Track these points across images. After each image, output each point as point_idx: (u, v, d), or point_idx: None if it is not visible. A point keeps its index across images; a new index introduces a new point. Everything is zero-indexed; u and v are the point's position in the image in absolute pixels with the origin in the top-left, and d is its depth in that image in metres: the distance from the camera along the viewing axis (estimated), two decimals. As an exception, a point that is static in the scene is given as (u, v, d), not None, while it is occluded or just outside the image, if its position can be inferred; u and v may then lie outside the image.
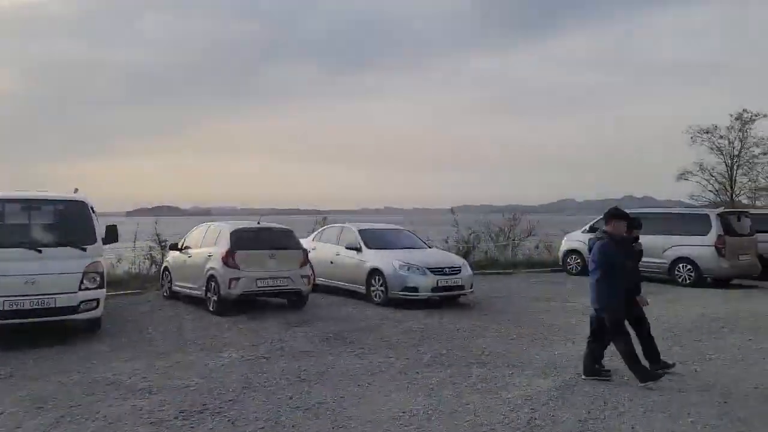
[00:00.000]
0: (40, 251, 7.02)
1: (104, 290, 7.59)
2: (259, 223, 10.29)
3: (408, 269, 9.75)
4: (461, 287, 10.08)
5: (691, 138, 29.55)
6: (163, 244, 12.78)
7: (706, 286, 12.39)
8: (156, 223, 13.80)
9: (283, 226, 10.44)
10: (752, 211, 15.58)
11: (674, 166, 33.77)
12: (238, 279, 8.92)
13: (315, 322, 8.62)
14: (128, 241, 13.19)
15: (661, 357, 5.88)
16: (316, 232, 12.48)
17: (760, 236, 13.15)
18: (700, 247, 12.42)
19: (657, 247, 12.22)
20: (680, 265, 12.69)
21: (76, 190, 8.09)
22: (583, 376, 5.70)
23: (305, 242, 11.02)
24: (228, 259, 8.95)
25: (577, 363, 5.99)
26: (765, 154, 28.81)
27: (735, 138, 29.30)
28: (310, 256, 10.24)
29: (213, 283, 9.11)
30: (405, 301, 9.73)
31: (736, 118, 28.91)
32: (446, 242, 16.18)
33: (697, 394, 5.24)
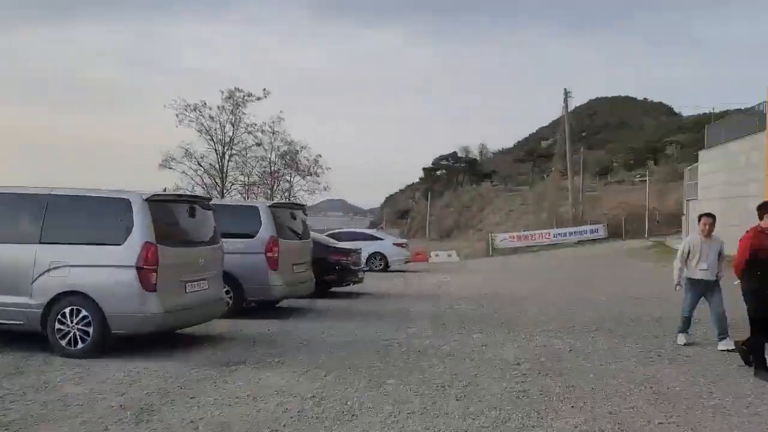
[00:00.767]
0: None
1: None
2: None
3: None
4: None
5: (177, 116, 23.77)
6: None
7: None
8: None
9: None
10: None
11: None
12: None
13: None
14: None
15: None
16: None
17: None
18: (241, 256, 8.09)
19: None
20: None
21: None
22: None
23: None
24: None
25: None
26: (259, 144, 24.22)
27: (226, 121, 24.21)
28: None
29: None
30: None
31: (228, 97, 24.04)
32: None
33: None
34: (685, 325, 6.71)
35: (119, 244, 5.73)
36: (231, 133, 24.22)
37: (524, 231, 36.26)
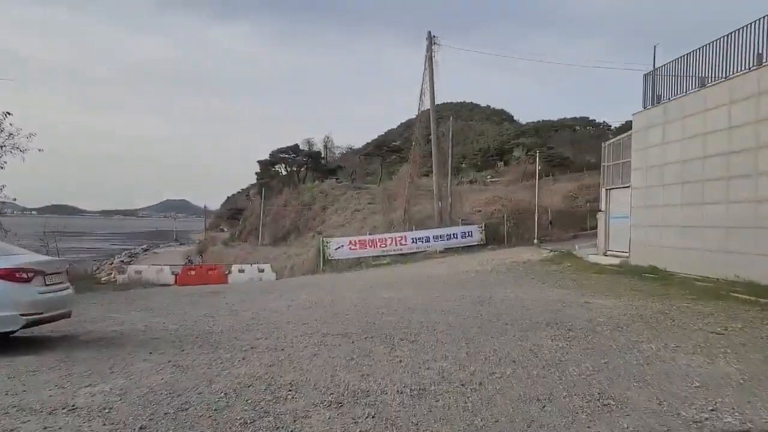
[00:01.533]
0: None
1: None
2: None
3: None
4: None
5: None
6: None
7: None
8: None
9: None
10: None
11: None
12: None
13: None
14: None
15: None
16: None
17: None
18: None
19: None
20: None
21: None
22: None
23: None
24: None
25: None
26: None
27: None
28: None
29: None
30: None
31: None
32: None
33: None
34: None
35: None
36: None
37: (370, 234, 25.53)
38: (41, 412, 4.52)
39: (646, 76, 16.41)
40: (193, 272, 22.69)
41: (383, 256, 23.90)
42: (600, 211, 18.84)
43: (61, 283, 7.45)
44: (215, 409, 4.52)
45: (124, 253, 69.52)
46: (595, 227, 25.36)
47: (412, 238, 24.84)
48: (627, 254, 16.76)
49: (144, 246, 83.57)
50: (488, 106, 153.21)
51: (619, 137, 18.09)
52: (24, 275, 6.80)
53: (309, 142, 77.37)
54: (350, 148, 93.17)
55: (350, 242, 24.46)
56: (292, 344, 7.05)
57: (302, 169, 72.55)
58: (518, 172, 57.16)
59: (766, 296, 9.75)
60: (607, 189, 18.49)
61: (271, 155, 74.85)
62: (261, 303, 11.49)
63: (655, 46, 16.40)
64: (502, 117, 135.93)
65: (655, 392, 4.85)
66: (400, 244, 24.57)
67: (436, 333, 7.60)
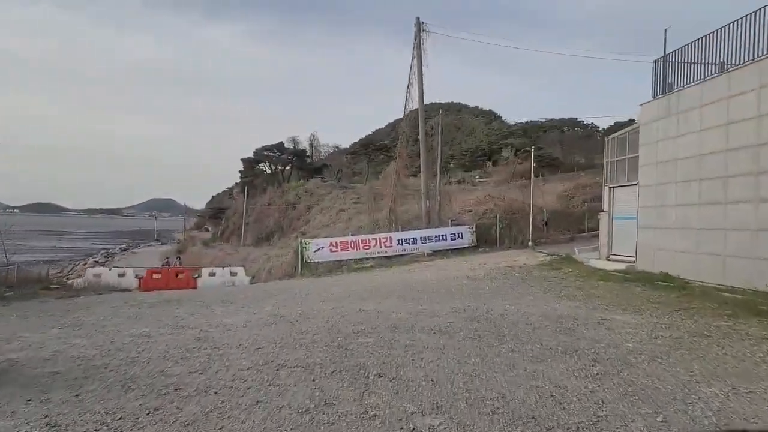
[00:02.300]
0: None
1: None
2: None
3: None
4: None
5: None
6: None
7: None
8: None
9: None
10: None
11: None
12: None
13: None
14: None
15: None
16: None
17: None
18: None
19: None
20: None
21: None
22: None
23: None
24: None
25: None
26: None
27: None
28: None
29: None
30: None
31: None
32: None
33: None
34: None
35: None
36: None
37: (352, 235, 23.72)
38: None
39: (656, 62, 14.86)
40: (158, 275, 20.78)
41: (366, 258, 22.15)
42: (602, 211, 17.28)
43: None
44: None
45: (100, 253, 66.96)
46: (594, 229, 23.87)
47: (398, 240, 23.11)
48: (633, 259, 15.22)
49: (123, 245, 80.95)
50: (477, 107, 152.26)
51: (624, 130, 16.54)
52: None
53: (294, 140, 75.26)
54: (337, 148, 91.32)
55: (331, 244, 22.65)
56: (232, 383, 5.30)
57: (287, 168, 70.55)
58: (507, 172, 56.09)
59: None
60: (610, 187, 16.92)
61: (255, 153, 72.69)
62: (216, 316, 9.70)
63: (665, 30, 14.87)
64: (491, 117, 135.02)
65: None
66: (385, 246, 22.82)
67: (424, 364, 5.90)
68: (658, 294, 10.90)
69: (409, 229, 24.08)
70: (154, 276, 20.57)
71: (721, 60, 12.65)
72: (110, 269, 21.06)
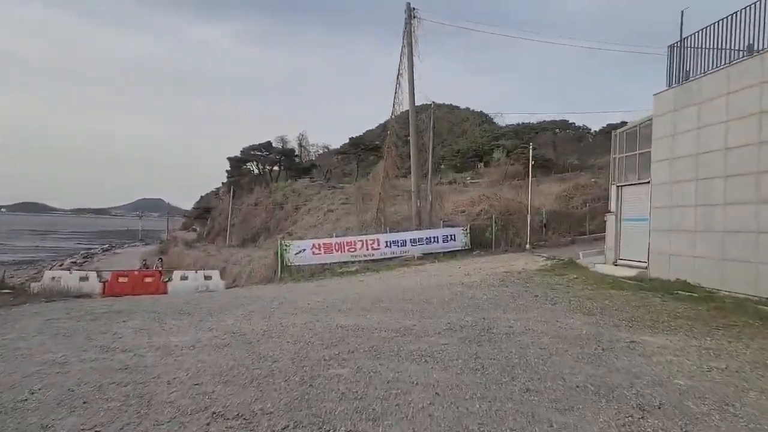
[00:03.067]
0: None
1: None
2: None
3: None
4: None
5: None
6: None
7: None
8: None
9: None
10: None
11: None
12: None
13: None
14: None
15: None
16: None
17: None
18: None
19: None
20: None
21: None
22: None
23: None
24: None
25: None
26: None
27: None
28: None
29: None
30: None
31: None
32: None
33: None
34: None
35: None
36: None
37: (337, 236, 22.05)
38: None
39: (671, 47, 13.42)
40: (125, 279, 19.03)
41: (352, 262, 20.55)
42: (609, 212, 15.80)
43: None
44: None
45: (80, 253, 64.75)
46: (596, 231, 22.47)
47: (386, 242, 21.52)
48: (644, 264, 13.77)
49: (105, 245, 78.71)
50: (468, 108, 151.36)
51: (634, 123, 15.08)
52: None
53: (283, 140, 73.49)
54: (327, 148, 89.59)
55: (313, 246, 21.00)
56: (135, 450, 3.69)
57: (275, 168, 68.81)
58: (499, 173, 55.00)
59: None
60: (618, 186, 15.45)
61: (242, 152, 70.82)
62: (163, 334, 8.06)
63: (682, 12, 13.43)
64: (482, 119, 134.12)
65: None
66: (372, 248, 21.22)
67: (412, 412, 4.34)
68: (684, 307, 9.42)
69: (399, 231, 22.50)
70: (120, 280, 18.83)
71: (749, 42, 11.25)
72: (71, 272, 19.27)
